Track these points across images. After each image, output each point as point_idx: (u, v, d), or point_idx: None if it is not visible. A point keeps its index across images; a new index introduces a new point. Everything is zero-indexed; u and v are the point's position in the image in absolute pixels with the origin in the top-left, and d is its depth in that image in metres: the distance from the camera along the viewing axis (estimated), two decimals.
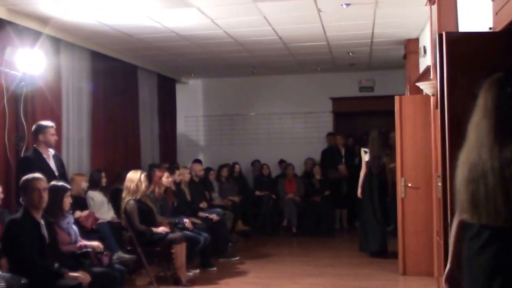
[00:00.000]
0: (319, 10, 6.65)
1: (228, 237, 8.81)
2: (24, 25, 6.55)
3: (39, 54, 6.45)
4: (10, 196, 6.19)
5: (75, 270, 4.79)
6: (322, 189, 10.81)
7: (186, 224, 7.39)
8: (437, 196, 5.60)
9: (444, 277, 2.72)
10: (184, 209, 8.03)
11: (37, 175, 4.87)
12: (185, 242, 6.91)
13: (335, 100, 12.16)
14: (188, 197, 8.55)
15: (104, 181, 7.76)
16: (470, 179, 2.43)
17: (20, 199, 4.88)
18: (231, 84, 12.48)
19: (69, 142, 7.97)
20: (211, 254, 7.92)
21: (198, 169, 9.49)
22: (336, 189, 11.00)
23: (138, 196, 6.86)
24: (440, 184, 3.79)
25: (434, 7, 5.57)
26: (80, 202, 6.98)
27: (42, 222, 4.83)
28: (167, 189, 7.71)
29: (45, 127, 6.07)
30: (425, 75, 7.03)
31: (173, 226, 7.15)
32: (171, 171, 8.13)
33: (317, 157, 11.63)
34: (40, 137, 6.03)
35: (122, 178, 7.49)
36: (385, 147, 8.52)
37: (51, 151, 6.17)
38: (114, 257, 6.21)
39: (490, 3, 3.47)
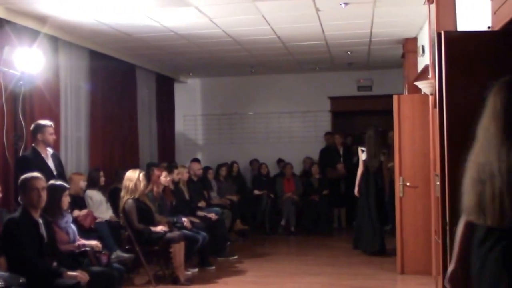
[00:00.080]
0: (317, 9, 6.65)
1: (226, 236, 8.81)
2: (22, 24, 6.54)
3: (37, 53, 6.44)
4: (9, 195, 6.18)
5: (73, 269, 4.78)
6: (320, 188, 10.81)
7: (185, 223, 7.39)
8: (436, 195, 5.61)
9: (447, 277, 2.72)
10: (183, 208, 8.03)
11: (36, 174, 4.87)
12: (184, 241, 6.91)
13: (333, 99, 12.16)
14: (187, 196, 8.55)
15: (102, 180, 7.75)
16: (477, 181, 2.44)
17: (19, 198, 4.87)
18: (230, 83, 12.48)
19: (68, 141, 7.97)
20: (209, 253, 7.91)
21: (197, 168, 9.49)
22: (335, 188, 11.01)
23: (137, 195, 6.86)
24: (438, 183, 3.80)
25: (433, 6, 5.58)
26: (79, 201, 6.97)
27: (41, 221, 4.83)
28: (165, 188, 7.71)
29: (44, 126, 6.07)
30: (423, 74, 7.04)
31: (172, 225, 7.15)
32: (170, 170, 8.13)
33: (316, 156, 11.63)
34: (39, 136, 6.03)
35: (121, 177, 7.50)
36: (382, 146, 8.55)
37: (50, 150, 6.17)
38: (113, 256, 6.21)
39: (489, 2, 3.47)
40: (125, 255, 6.71)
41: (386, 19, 7.21)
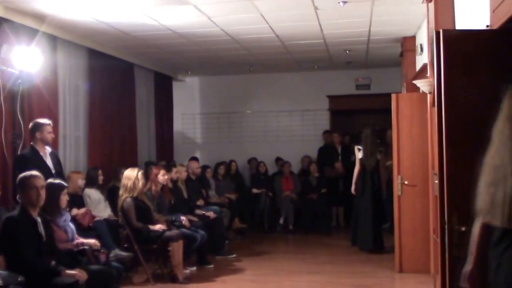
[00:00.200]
0: (316, 8, 6.65)
1: (225, 235, 8.81)
2: (20, 23, 6.53)
3: (35, 52, 6.43)
4: (7, 194, 6.17)
5: (72, 268, 4.77)
6: (318, 186, 10.82)
7: (183, 222, 7.39)
8: (434, 194, 5.61)
9: (464, 277, 2.73)
10: (181, 207, 8.03)
11: (35, 172, 4.86)
12: (182, 239, 6.91)
13: (331, 98, 12.17)
14: (185, 195, 8.55)
15: (101, 178, 7.74)
16: (491, 182, 2.47)
17: (17, 196, 4.87)
18: (228, 82, 12.48)
19: (66, 139, 7.96)
20: (208, 252, 7.91)
21: (195, 167, 9.48)
22: (333, 186, 11.02)
23: (135, 194, 6.86)
24: (436, 181, 3.80)
25: (431, 4, 5.58)
26: (77, 200, 6.97)
27: (39, 220, 4.82)
28: (164, 186, 7.71)
29: (42, 124, 6.06)
30: (421, 73, 7.04)
31: (170, 224, 7.14)
32: (168, 169, 8.12)
33: (314, 154, 11.63)
34: (37, 134, 6.02)
35: (119, 176, 7.50)
36: (379, 144, 8.58)
37: (48, 149, 6.16)
38: (111, 254, 6.21)
39: (487, 1, 3.47)
40: (124, 253, 6.71)
41: (385, 17, 7.21)
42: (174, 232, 6.92)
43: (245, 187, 11.41)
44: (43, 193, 4.82)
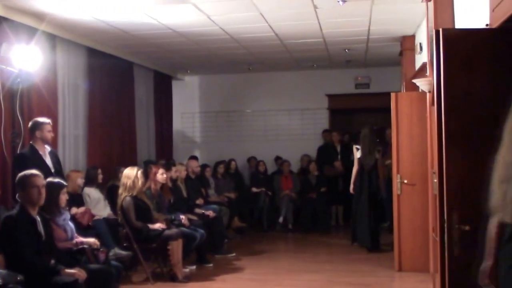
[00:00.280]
0: (315, 7, 6.65)
1: (224, 234, 8.82)
2: (20, 21, 6.52)
3: (35, 51, 6.43)
4: (6, 193, 6.17)
5: (71, 267, 4.77)
6: (318, 185, 10.82)
7: (183, 221, 7.39)
8: (433, 193, 5.62)
9: (485, 274, 2.74)
10: (181, 206, 8.03)
11: (35, 171, 4.86)
12: (182, 238, 6.92)
13: (331, 97, 12.17)
14: (185, 194, 8.56)
15: (100, 177, 7.74)
16: (503, 180, 2.49)
17: (17, 195, 4.87)
18: (228, 81, 12.48)
19: (65, 138, 7.95)
20: (207, 251, 7.92)
21: (194, 166, 9.48)
22: (332, 185, 11.03)
23: (135, 193, 6.86)
24: (436, 180, 3.80)
25: (431, 3, 5.58)
26: (76, 199, 6.97)
27: (39, 218, 4.82)
28: (163, 185, 7.70)
29: (42, 123, 6.05)
30: (421, 72, 7.04)
31: (170, 223, 7.14)
32: (168, 168, 8.12)
33: (313, 153, 11.63)
34: (37, 133, 6.01)
35: (118, 175, 7.49)
36: (377, 144, 8.59)
37: (47, 148, 6.16)
38: (111, 253, 6.21)
39: (487, 0, 3.47)
40: (123, 252, 6.72)
41: (384, 16, 7.21)
42: (174, 231, 6.92)
43: (244, 186, 11.41)
44: (43, 192, 4.82)
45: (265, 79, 12.26)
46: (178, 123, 12.49)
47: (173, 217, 7.37)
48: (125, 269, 6.49)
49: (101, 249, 5.41)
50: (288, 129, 12.27)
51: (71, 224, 5.54)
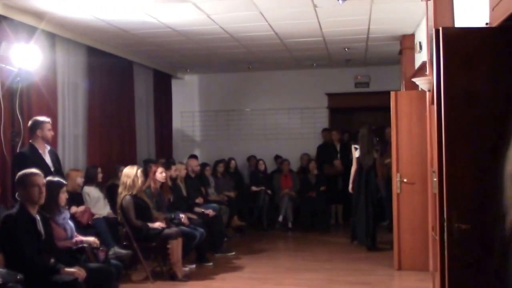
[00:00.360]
0: (315, 6, 6.65)
1: (224, 232, 8.82)
2: (19, 20, 6.52)
3: (34, 50, 6.43)
4: (6, 192, 6.17)
5: (71, 266, 4.77)
6: (317, 184, 10.82)
7: (182, 220, 7.40)
8: (433, 192, 5.62)
9: None
10: (180, 205, 8.04)
11: (35, 170, 4.85)
12: (181, 237, 6.92)
13: (330, 95, 12.17)
14: (184, 193, 8.56)
15: (100, 176, 7.74)
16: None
17: (16, 194, 4.87)
18: (227, 80, 12.48)
19: (65, 137, 7.95)
20: (207, 249, 7.92)
21: (194, 165, 9.48)
22: (332, 184, 11.03)
23: (135, 192, 6.86)
24: (435, 179, 3.80)
25: (430, 2, 5.57)
26: (76, 198, 6.97)
27: (38, 217, 4.82)
28: (163, 184, 7.70)
29: (42, 122, 6.05)
30: (420, 71, 7.04)
31: (169, 222, 7.15)
32: (167, 167, 8.12)
33: (313, 152, 11.64)
34: (38, 132, 6.00)
35: (118, 174, 7.49)
36: (375, 143, 8.60)
37: (47, 147, 6.16)
38: (110, 252, 6.22)
39: None
40: (123, 251, 6.72)
41: (384, 15, 7.21)
42: (173, 230, 6.93)
43: (244, 185, 11.42)
44: (44, 191, 4.82)
45: (265, 78, 12.27)
46: (177, 122, 12.49)
47: (172, 216, 7.37)
48: (125, 268, 6.48)
49: (100, 248, 5.41)
50: (288, 128, 12.27)
51: (70, 223, 5.54)
